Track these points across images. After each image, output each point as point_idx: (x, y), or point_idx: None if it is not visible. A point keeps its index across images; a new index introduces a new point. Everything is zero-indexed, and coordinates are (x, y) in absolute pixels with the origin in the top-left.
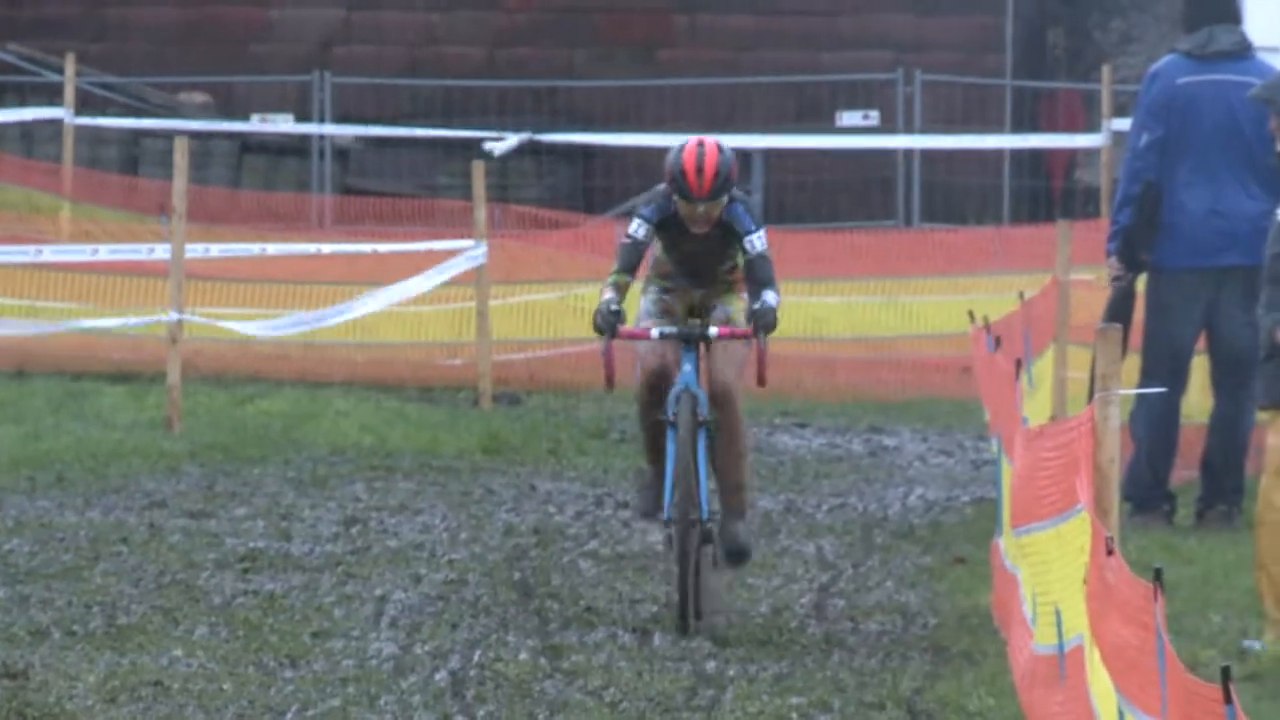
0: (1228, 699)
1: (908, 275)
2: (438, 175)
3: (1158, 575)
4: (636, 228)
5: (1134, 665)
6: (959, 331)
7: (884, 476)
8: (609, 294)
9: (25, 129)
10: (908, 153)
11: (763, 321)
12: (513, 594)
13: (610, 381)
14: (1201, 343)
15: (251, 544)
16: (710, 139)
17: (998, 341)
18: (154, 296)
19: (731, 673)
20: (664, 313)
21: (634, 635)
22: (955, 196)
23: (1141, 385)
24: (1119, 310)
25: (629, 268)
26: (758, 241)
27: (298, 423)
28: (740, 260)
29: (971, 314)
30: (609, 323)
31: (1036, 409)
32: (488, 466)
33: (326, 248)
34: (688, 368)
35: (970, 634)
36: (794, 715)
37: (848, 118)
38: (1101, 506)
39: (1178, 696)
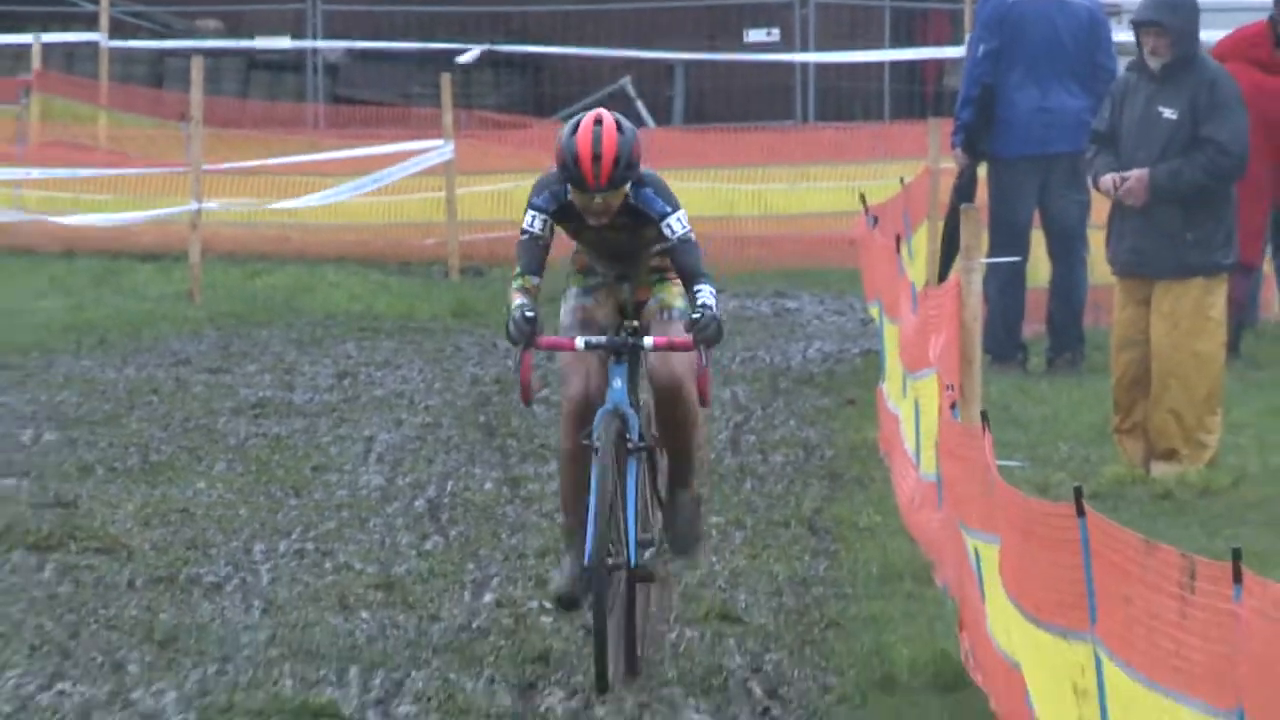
0: (1080, 512)
1: (804, 164)
2: (413, 85)
3: (984, 416)
4: (531, 220)
5: (964, 494)
6: (848, 211)
7: (787, 333)
8: (519, 298)
9: (67, 51)
10: (804, 64)
11: (704, 334)
12: (479, 434)
13: (527, 397)
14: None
15: (261, 394)
16: (609, 115)
17: (875, 220)
18: (178, 188)
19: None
20: (587, 323)
21: None
22: (844, 100)
23: (991, 256)
24: (964, 194)
25: (533, 268)
26: (676, 224)
27: (298, 293)
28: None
29: (863, 197)
30: (523, 332)
31: (914, 275)
32: (457, 328)
33: (320, 156)
34: (618, 384)
35: (860, 463)
36: (714, 532)
37: (754, 34)
38: (966, 357)
39: (1010, 517)
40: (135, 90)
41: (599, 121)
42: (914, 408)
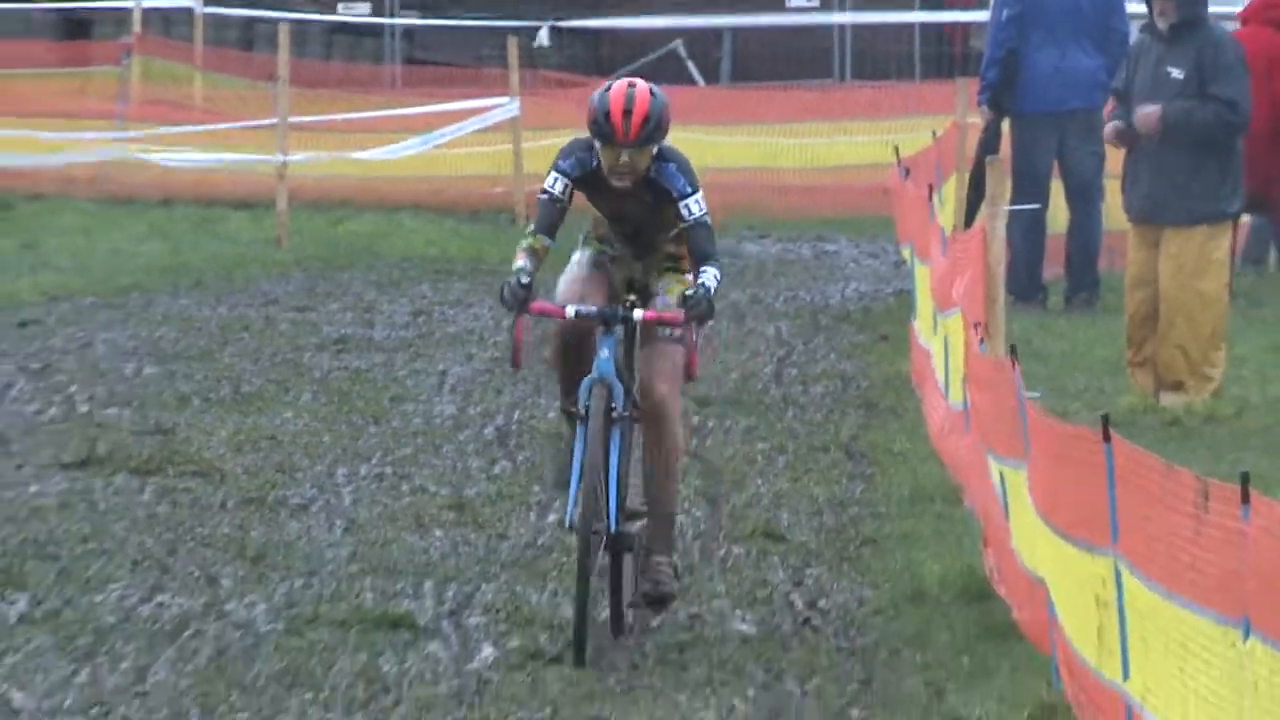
0: (1106, 438)
1: (842, 119)
2: (483, 48)
3: (1013, 350)
4: (553, 182)
5: (990, 422)
6: (882, 163)
7: (826, 274)
8: (521, 261)
9: (164, 16)
10: (841, 27)
11: (695, 311)
12: (543, 367)
13: (518, 362)
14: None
15: (343, 330)
16: (642, 82)
17: (907, 172)
18: (266, 142)
19: (711, 424)
20: (597, 282)
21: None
22: (879, 61)
23: (1013, 204)
24: (989, 147)
25: (547, 228)
26: (694, 206)
27: (378, 238)
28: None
29: (896, 149)
30: (517, 298)
31: (944, 221)
32: None
33: (397, 112)
34: (604, 354)
35: (893, 393)
36: (759, 457)
37: (795, 0)
38: (990, 296)
39: (1042, 442)
40: (227, 53)
41: (632, 84)
42: (943, 343)
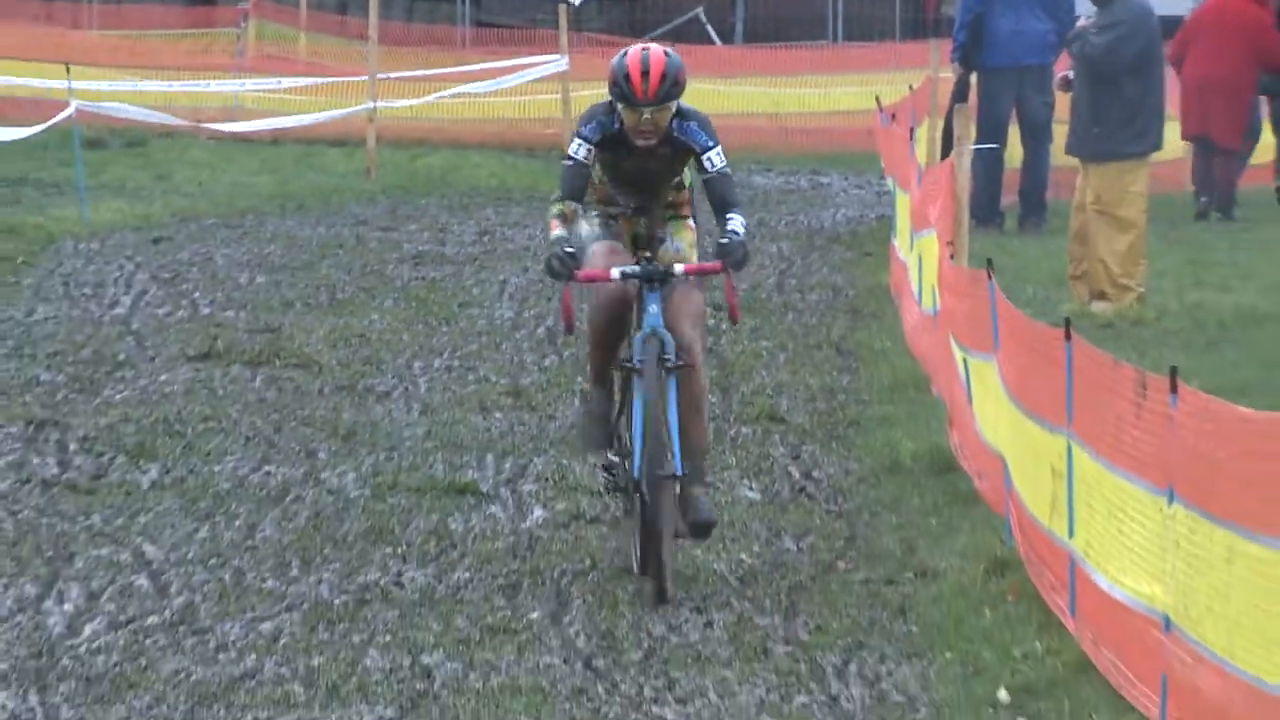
0: (1068, 338)
1: (835, 73)
2: (537, 13)
3: (990, 264)
4: (577, 148)
5: (960, 320)
6: (867, 110)
7: (820, 202)
8: (557, 230)
9: None
10: None
11: (732, 259)
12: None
13: (570, 327)
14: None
15: (420, 247)
16: (657, 45)
17: (893, 117)
18: (359, 91)
19: (724, 326)
20: (609, 238)
21: None
22: (865, 24)
23: (978, 144)
24: (960, 96)
25: (574, 193)
26: (716, 158)
27: (450, 171)
28: (688, 180)
29: (878, 99)
30: (566, 267)
31: (920, 157)
32: None
33: (467, 67)
34: (653, 309)
35: (876, 301)
36: (764, 353)
37: None
38: (957, 220)
39: (1013, 334)
40: (327, 16)
41: (647, 48)
42: (917, 258)
